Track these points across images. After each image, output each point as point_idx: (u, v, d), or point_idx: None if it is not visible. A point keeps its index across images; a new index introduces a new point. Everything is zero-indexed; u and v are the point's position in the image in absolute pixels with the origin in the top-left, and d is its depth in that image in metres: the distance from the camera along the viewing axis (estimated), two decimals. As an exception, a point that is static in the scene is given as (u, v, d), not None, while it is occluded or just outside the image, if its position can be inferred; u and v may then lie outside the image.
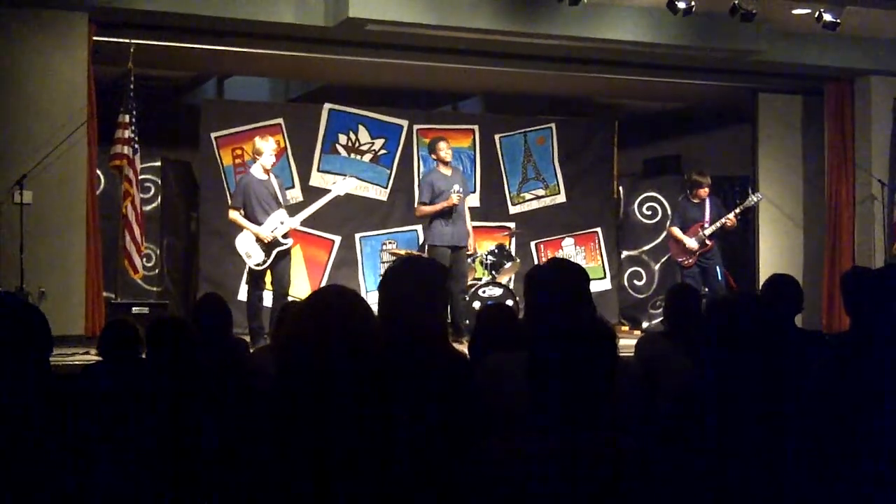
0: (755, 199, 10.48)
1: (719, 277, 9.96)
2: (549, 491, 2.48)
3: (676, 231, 10.09)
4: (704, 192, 10.04)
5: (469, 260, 10.02)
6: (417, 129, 11.82)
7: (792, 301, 4.72)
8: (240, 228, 8.83)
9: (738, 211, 10.12)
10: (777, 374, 2.92)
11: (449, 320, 9.44)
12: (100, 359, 4.73)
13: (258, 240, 8.72)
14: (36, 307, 2.79)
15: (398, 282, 3.28)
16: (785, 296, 4.68)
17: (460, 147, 11.67)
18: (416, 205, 10.21)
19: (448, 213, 9.52)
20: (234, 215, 8.87)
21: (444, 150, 9.70)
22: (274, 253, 8.75)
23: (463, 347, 5.66)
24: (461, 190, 9.64)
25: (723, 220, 9.90)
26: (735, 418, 2.86)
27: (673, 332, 4.93)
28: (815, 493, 3.05)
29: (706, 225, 9.93)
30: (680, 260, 10.06)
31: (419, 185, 10.20)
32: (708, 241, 9.92)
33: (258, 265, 8.77)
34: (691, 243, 9.88)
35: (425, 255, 9.94)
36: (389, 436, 2.40)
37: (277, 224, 8.76)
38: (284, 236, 8.79)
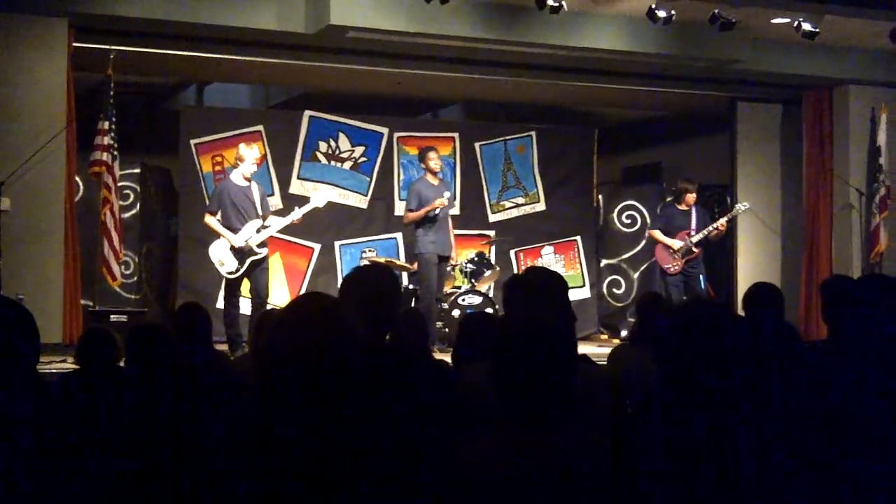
0: (741, 209, 10.49)
1: (702, 286, 9.96)
2: (515, 491, 2.50)
3: (658, 234, 10.06)
4: (692, 198, 10.01)
5: (448, 268, 10.06)
6: (398, 137, 11.82)
7: (773, 310, 4.74)
8: (215, 235, 8.78)
9: (723, 221, 10.12)
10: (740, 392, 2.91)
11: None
12: (77, 367, 4.69)
13: (231, 247, 8.65)
14: (26, 308, 2.76)
15: (349, 294, 3.27)
16: (766, 305, 4.71)
17: (441, 155, 11.67)
18: (404, 212, 10.21)
19: (433, 222, 9.54)
20: (209, 220, 8.79)
21: (434, 160, 9.77)
22: (248, 262, 8.63)
23: (439, 355, 5.66)
24: (450, 197, 9.74)
25: (710, 229, 9.88)
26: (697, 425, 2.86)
27: (639, 340, 4.99)
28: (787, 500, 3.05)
29: (693, 233, 9.91)
30: (666, 266, 9.98)
31: (407, 193, 10.23)
32: (694, 249, 9.90)
33: (231, 273, 8.68)
34: (676, 244, 9.87)
35: (413, 262, 10.06)
36: (370, 442, 2.39)
37: (252, 233, 8.68)
38: (260, 245, 8.70)
